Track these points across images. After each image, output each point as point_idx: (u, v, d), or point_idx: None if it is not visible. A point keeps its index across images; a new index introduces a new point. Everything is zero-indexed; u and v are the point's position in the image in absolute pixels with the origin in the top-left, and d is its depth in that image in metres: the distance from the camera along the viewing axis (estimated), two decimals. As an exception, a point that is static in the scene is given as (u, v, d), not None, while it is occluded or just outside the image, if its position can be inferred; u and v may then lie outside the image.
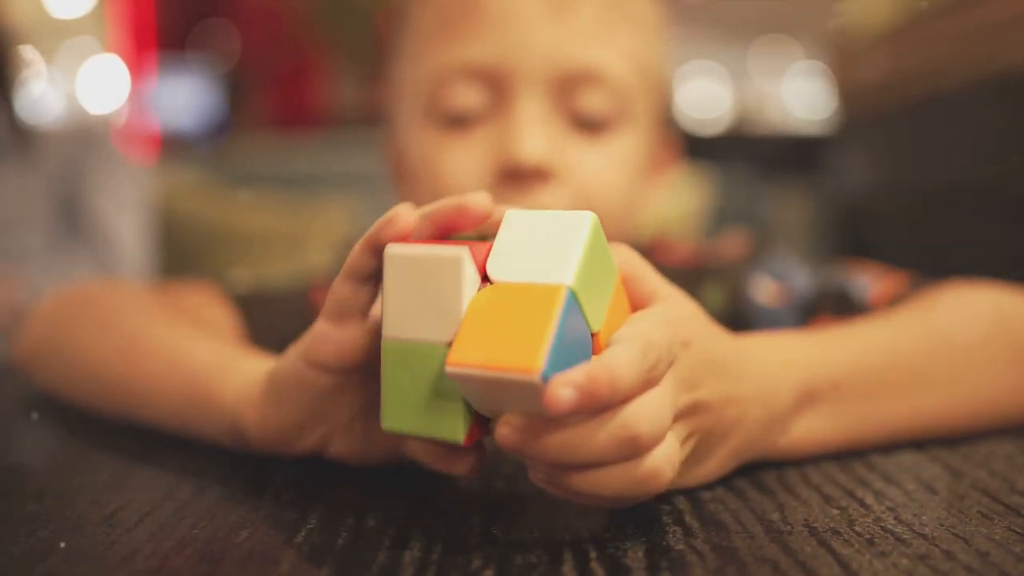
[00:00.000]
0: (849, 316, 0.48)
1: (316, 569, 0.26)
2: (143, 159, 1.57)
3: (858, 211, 1.59)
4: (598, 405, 0.24)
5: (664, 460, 0.26)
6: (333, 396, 0.32)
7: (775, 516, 0.30)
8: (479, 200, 0.28)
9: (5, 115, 1.11)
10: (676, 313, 0.30)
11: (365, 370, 0.31)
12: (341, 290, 0.30)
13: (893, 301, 0.47)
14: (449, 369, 0.25)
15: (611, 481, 0.26)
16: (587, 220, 0.27)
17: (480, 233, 0.30)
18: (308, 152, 1.72)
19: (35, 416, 0.47)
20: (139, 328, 0.43)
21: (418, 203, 0.29)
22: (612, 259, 0.29)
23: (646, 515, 0.30)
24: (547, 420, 0.25)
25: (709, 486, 0.33)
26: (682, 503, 0.31)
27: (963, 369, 0.40)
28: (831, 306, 0.51)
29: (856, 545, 0.27)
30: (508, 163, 0.51)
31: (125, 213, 1.16)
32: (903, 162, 1.42)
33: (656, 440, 0.26)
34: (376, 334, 0.30)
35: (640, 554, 0.27)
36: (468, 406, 0.27)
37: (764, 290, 0.54)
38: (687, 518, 0.30)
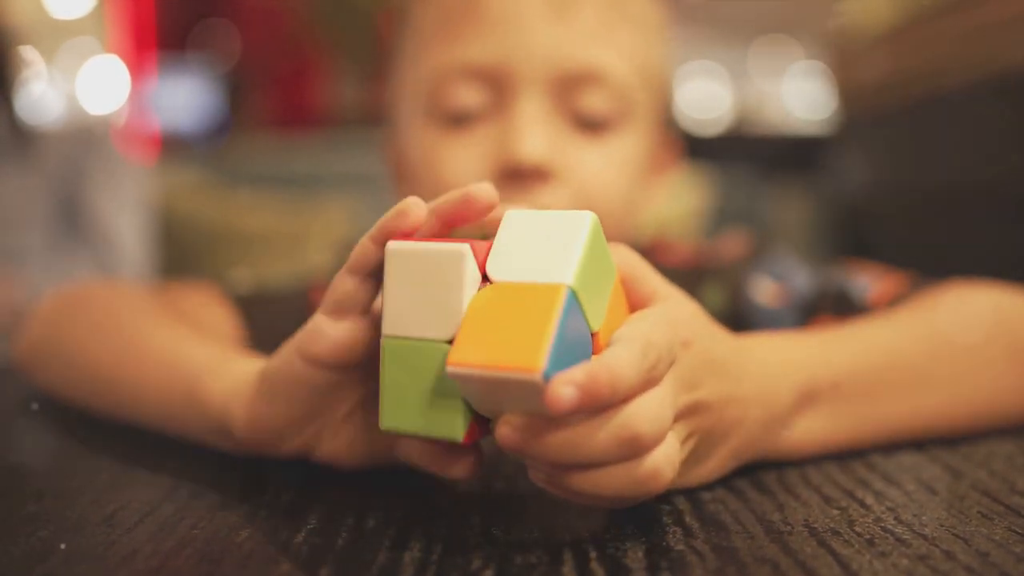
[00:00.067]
0: (849, 316, 0.48)
1: (316, 569, 0.26)
2: (143, 159, 1.57)
3: (858, 211, 1.59)
4: (598, 404, 0.24)
5: (664, 460, 0.26)
6: (328, 393, 0.31)
7: (775, 516, 0.30)
8: (484, 190, 0.28)
9: (5, 115, 1.12)
10: (677, 313, 0.30)
11: (361, 368, 0.31)
12: (344, 284, 0.29)
13: (893, 301, 0.47)
14: (450, 369, 0.25)
15: (611, 481, 0.26)
16: (587, 220, 0.27)
17: (481, 232, 0.30)
18: (308, 152, 1.72)
19: (35, 406, 0.47)
20: (132, 328, 0.43)
21: None
22: (611, 259, 0.29)
23: (646, 515, 0.30)
24: (548, 420, 0.25)
25: (709, 486, 0.33)
26: (682, 503, 0.31)
27: (964, 369, 0.40)
28: (831, 306, 0.51)
29: (856, 545, 0.27)
30: (509, 163, 0.51)
31: (125, 213, 1.17)
32: (903, 162, 1.42)
33: (656, 440, 0.26)
34: (374, 331, 0.30)
35: (640, 554, 0.27)
36: (468, 405, 0.27)
37: (764, 290, 0.54)
38: (687, 518, 0.30)
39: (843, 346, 0.38)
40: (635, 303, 0.30)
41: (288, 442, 0.33)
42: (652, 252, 0.57)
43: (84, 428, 0.43)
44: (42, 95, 3.27)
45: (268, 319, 0.53)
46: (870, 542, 0.28)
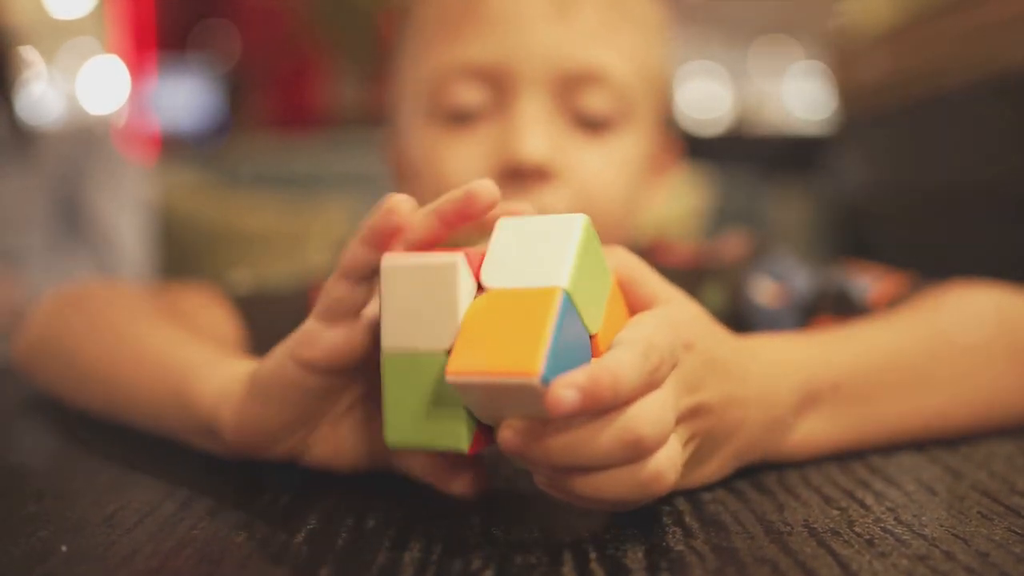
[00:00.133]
0: (849, 317, 0.48)
1: (316, 569, 0.26)
2: (143, 159, 1.57)
3: (858, 211, 1.59)
4: (600, 407, 0.24)
5: (667, 463, 0.26)
6: (320, 397, 0.31)
7: (775, 517, 0.30)
8: (485, 187, 0.27)
9: (5, 115, 1.12)
10: (679, 315, 0.30)
11: (355, 372, 0.30)
12: (336, 289, 0.29)
13: (893, 302, 0.47)
14: (449, 378, 0.25)
15: (614, 484, 0.26)
16: (579, 222, 0.27)
17: (480, 233, 0.30)
18: (308, 152, 1.72)
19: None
20: (127, 329, 0.43)
21: (420, 202, 0.29)
22: (606, 261, 0.29)
23: (646, 516, 0.30)
24: (550, 423, 0.25)
25: (709, 487, 0.33)
26: (682, 504, 0.31)
27: (964, 370, 0.40)
28: (831, 307, 0.51)
29: (856, 546, 0.27)
30: (510, 162, 0.51)
31: (125, 213, 1.17)
32: (903, 162, 1.42)
33: (659, 443, 0.26)
34: (368, 335, 0.30)
35: (640, 555, 0.27)
36: (471, 414, 0.27)
37: (764, 291, 0.54)
38: (687, 519, 0.30)
39: (843, 347, 0.38)
40: (636, 306, 0.30)
41: (278, 445, 0.32)
42: (652, 252, 0.58)
43: (84, 428, 0.43)
44: (42, 95, 3.28)
45: (268, 319, 0.53)
46: (870, 542, 0.28)
